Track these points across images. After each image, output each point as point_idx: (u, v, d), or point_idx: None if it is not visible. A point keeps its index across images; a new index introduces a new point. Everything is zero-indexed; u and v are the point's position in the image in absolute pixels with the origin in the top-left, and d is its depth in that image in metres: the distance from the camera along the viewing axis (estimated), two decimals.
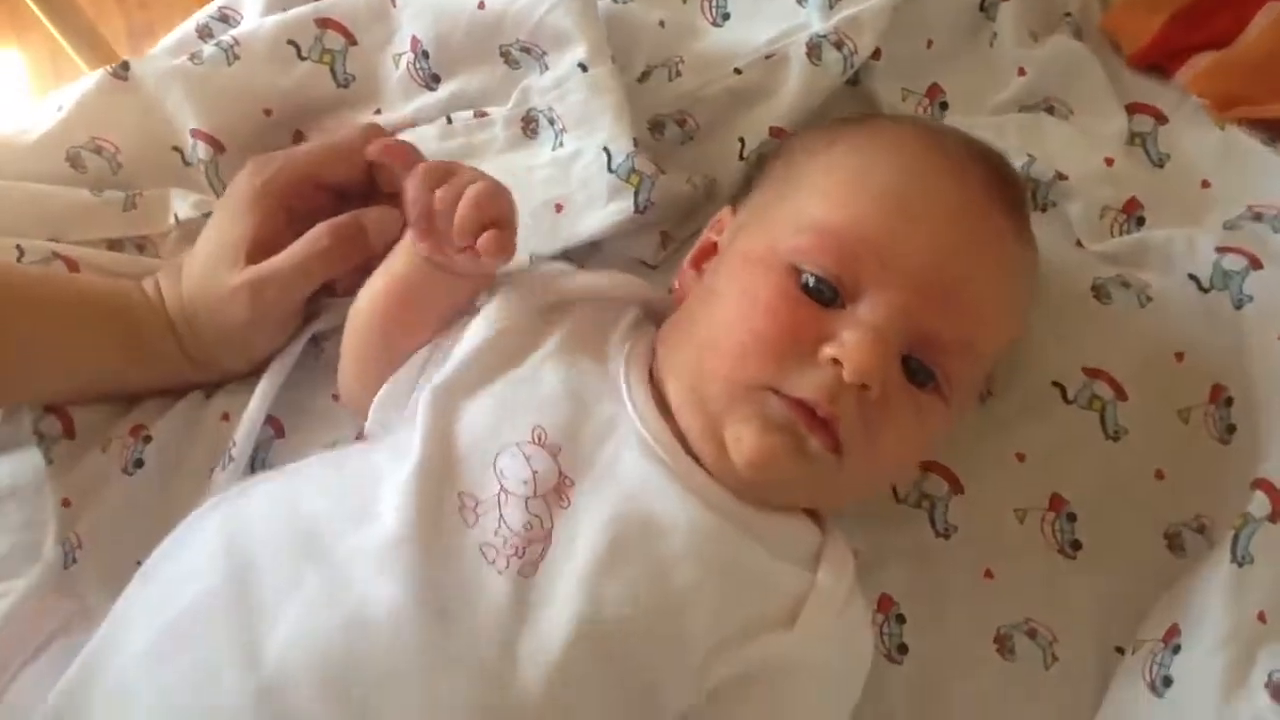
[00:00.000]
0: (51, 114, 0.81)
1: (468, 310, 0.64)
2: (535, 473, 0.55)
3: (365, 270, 0.66)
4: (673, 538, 0.55)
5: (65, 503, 0.69)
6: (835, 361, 0.55)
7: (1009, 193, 0.63)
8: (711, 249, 0.66)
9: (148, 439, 0.70)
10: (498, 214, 0.58)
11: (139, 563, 0.65)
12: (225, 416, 0.72)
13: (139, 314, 0.70)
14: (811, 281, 0.58)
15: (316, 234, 0.68)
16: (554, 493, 0.55)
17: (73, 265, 0.75)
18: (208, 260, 0.70)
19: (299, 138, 0.80)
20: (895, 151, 0.63)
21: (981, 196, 0.61)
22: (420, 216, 0.58)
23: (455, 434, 0.57)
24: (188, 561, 0.56)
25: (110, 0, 1.73)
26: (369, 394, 0.64)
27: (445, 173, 0.59)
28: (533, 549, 0.53)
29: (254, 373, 0.71)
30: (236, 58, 0.80)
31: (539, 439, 0.57)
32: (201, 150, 0.79)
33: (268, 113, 0.80)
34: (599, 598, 0.52)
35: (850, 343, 0.55)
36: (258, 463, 0.70)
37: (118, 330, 0.69)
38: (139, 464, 0.70)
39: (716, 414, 0.58)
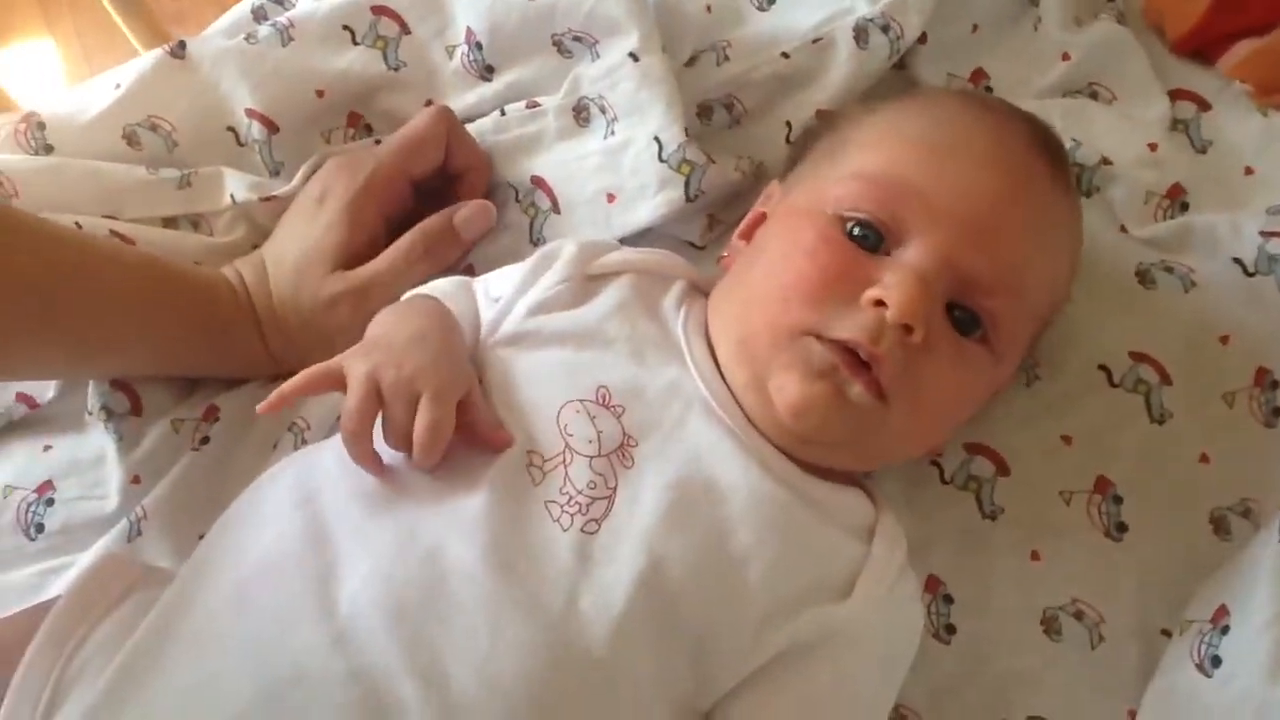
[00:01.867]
0: (109, 92, 0.82)
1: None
2: (600, 433, 0.56)
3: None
4: (733, 502, 0.56)
5: (135, 479, 0.71)
6: (878, 303, 0.56)
7: (1050, 146, 0.64)
8: (760, 219, 0.67)
9: (217, 420, 0.72)
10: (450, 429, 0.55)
11: (201, 536, 0.68)
12: None
13: (226, 311, 0.71)
14: (856, 229, 0.59)
15: (412, 241, 0.70)
16: (618, 452, 0.56)
17: (129, 242, 0.76)
18: (299, 266, 0.71)
19: (354, 119, 0.81)
20: (936, 106, 0.65)
21: (1022, 146, 0.62)
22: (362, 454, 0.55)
23: (518, 389, 0.58)
24: (264, 514, 0.58)
25: None
26: None
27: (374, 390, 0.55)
28: (596, 507, 0.55)
29: None
30: (291, 39, 0.81)
31: (603, 399, 0.58)
32: (256, 130, 0.80)
33: (320, 94, 0.81)
34: (660, 557, 0.53)
35: (894, 284, 0.56)
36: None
37: (205, 325, 0.71)
38: (205, 441, 0.72)
39: (761, 365, 0.58)
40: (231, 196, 0.78)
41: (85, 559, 0.68)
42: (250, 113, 0.80)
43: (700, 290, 0.67)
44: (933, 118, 0.63)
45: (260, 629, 0.52)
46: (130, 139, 0.81)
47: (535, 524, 0.54)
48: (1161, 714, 0.60)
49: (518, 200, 0.77)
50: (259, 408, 0.56)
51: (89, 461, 0.72)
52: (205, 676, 0.52)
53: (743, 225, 0.68)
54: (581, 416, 0.57)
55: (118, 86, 0.82)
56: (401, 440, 0.55)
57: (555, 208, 0.76)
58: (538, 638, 0.51)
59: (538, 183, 0.76)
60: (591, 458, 0.56)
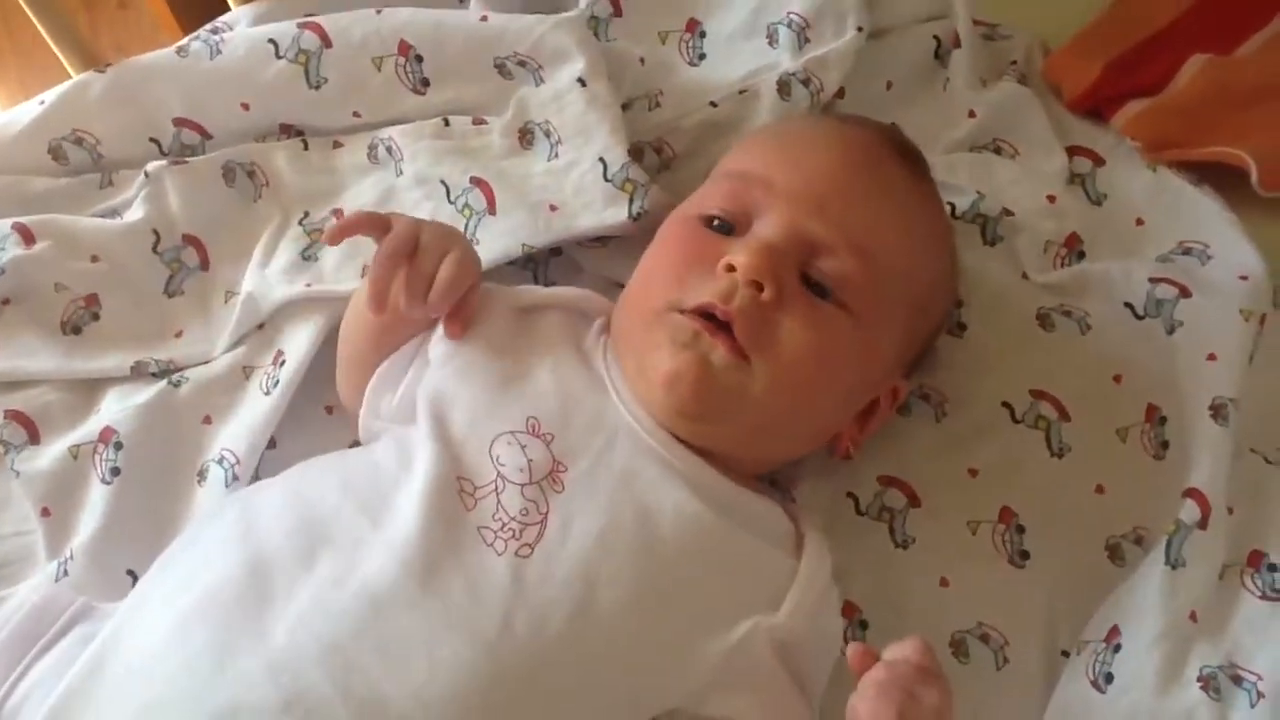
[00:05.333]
0: (33, 108, 0.84)
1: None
2: (531, 461, 0.59)
3: None
4: (662, 524, 0.59)
5: (45, 512, 0.72)
6: (729, 268, 0.61)
7: (898, 142, 0.70)
8: None
9: (119, 445, 0.73)
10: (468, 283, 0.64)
11: (129, 571, 0.69)
12: (207, 419, 0.75)
13: None
14: (714, 222, 0.64)
15: None
16: (548, 478, 0.59)
17: (30, 236, 0.78)
18: None
19: (286, 130, 0.84)
20: (793, 119, 0.74)
21: (866, 137, 0.68)
22: (382, 279, 0.61)
23: (452, 425, 0.61)
24: (205, 551, 0.59)
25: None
26: (361, 390, 0.68)
27: (415, 238, 0.62)
28: (529, 532, 0.57)
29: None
30: (219, 53, 0.84)
31: (532, 428, 0.60)
32: (186, 136, 0.83)
33: (245, 107, 0.83)
34: (594, 579, 0.56)
35: (742, 249, 0.61)
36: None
37: None
38: (115, 472, 0.72)
39: (638, 349, 0.63)
40: (145, 172, 0.81)
41: (21, 592, 0.69)
42: (180, 121, 0.83)
43: None
44: (790, 125, 0.72)
45: (199, 662, 0.54)
46: (55, 153, 0.84)
47: (469, 549, 0.56)
48: None
49: (450, 200, 0.79)
50: (325, 238, 0.64)
51: (15, 497, 0.73)
52: (143, 708, 0.53)
53: None
54: (513, 446, 0.59)
55: (42, 103, 0.84)
56: (421, 285, 0.61)
57: (491, 209, 0.78)
58: (475, 659, 0.53)
59: (477, 182, 0.78)
60: (523, 485, 0.58)
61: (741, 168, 0.67)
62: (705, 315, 0.60)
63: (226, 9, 0.91)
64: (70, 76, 0.87)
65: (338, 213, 0.81)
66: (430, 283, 0.61)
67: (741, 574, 0.60)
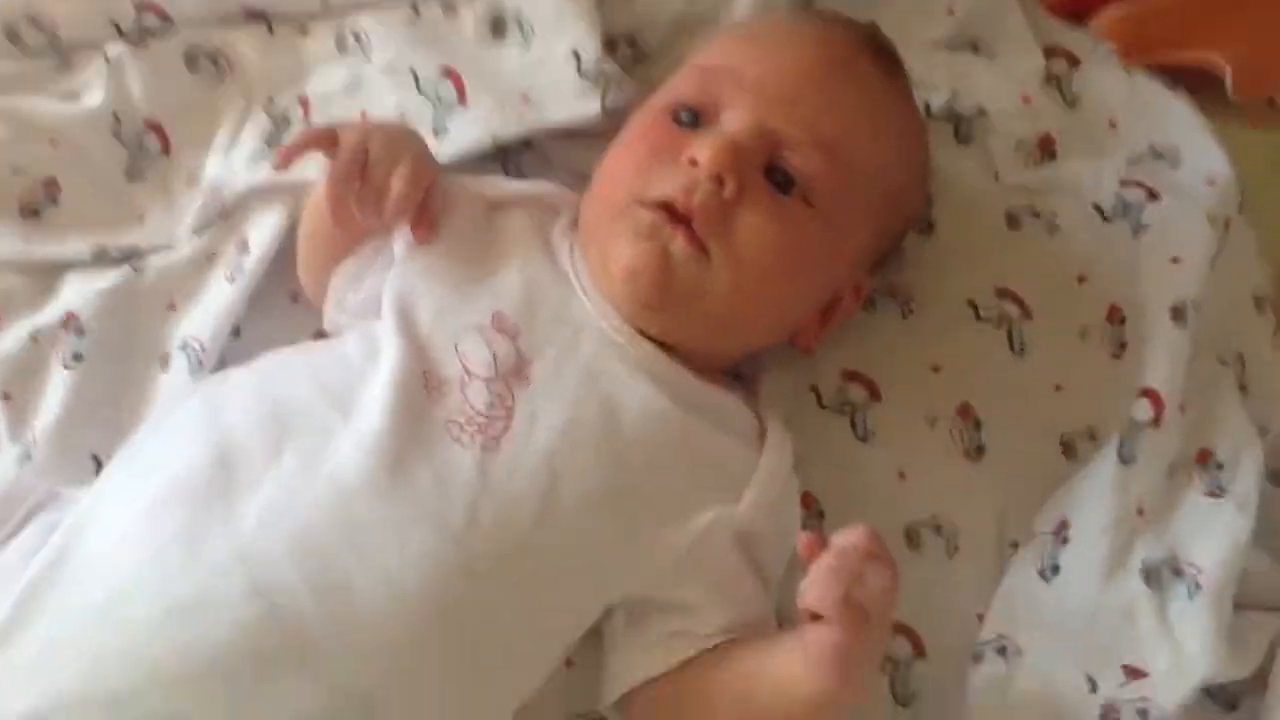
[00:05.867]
0: None
1: None
2: (495, 355, 0.60)
3: None
4: (626, 417, 0.60)
5: (5, 396, 0.72)
6: (692, 163, 0.61)
7: (875, 41, 0.70)
8: None
9: (80, 331, 0.73)
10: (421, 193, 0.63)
11: (93, 455, 0.69)
12: (171, 306, 0.75)
13: None
14: (683, 115, 0.64)
15: None
16: (514, 373, 0.60)
17: None
18: None
19: (251, 15, 0.82)
20: (772, 15, 0.72)
21: (841, 36, 0.68)
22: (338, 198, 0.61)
23: (418, 321, 0.61)
24: (172, 440, 0.60)
25: None
26: (324, 283, 0.68)
27: (364, 152, 0.61)
28: (495, 425, 0.58)
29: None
30: None
31: (498, 323, 0.61)
32: (147, 19, 0.81)
33: None
34: (558, 471, 0.57)
35: (705, 144, 0.61)
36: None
37: None
38: (77, 357, 0.72)
39: (601, 242, 0.63)
40: (105, 56, 0.79)
41: None
42: (141, 5, 0.81)
43: None
44: (765, 18, 0.71)
45: (166, 549, 0.55)
46: (11, 34, 0.82)
47: (436, 442, 0.57)
48: (1005, 617, 0.66)
49: (420, 89, 0.78)
50: (276, 163, 0.63)
51: None
52: (110, 595, 0.54)
53: None
54: (478, 341, 0.60)
55: None
56: (375, 199, 0.60)
57: (461, 99, 0.77)
58: (442, 550, 0.55)
59: (448, 72, 0.78)
60: (489, 379, 0.59)
61: (711, 61, 0.67)
62: (666, 208, 0.60)
63: None
64: None
65: (303, 99, 0.80)
66: (384, 195, 0.60)
67: (704, 467, 0.62)
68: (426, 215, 0.64)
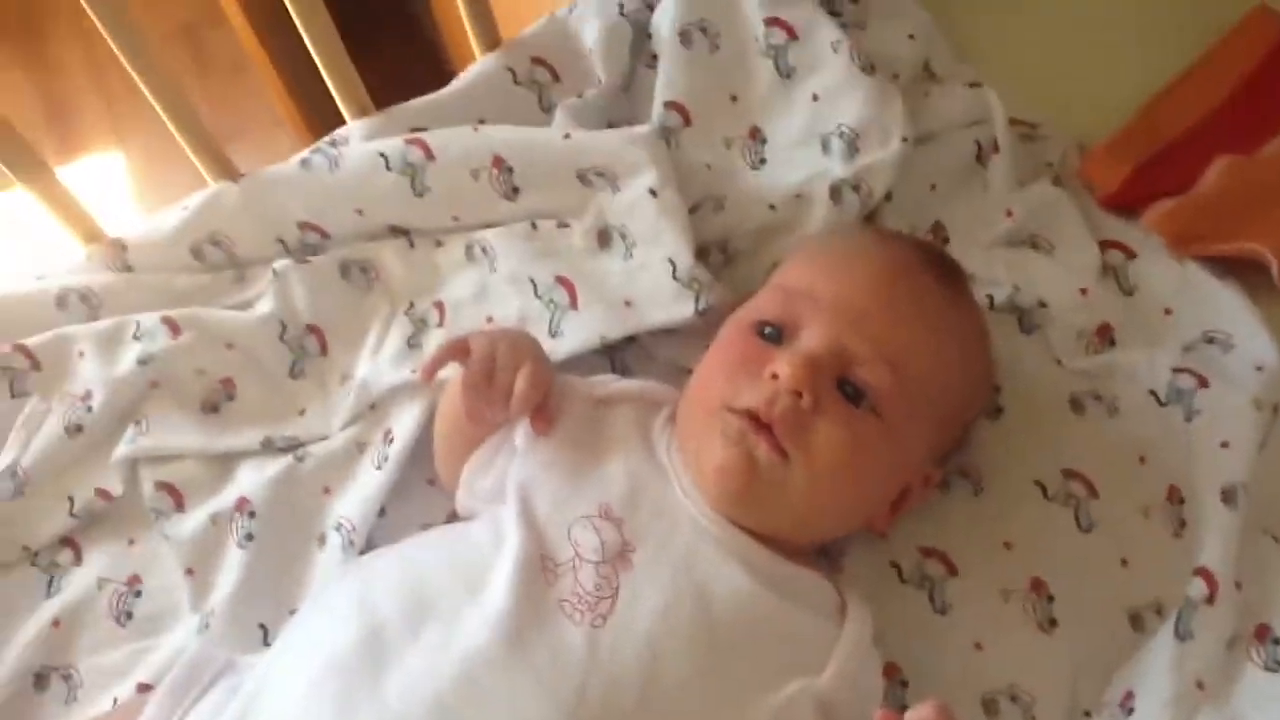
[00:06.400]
0: (178, 213, 0.97)
1: None
2: (604, 542, 0.68)
3: None
4: (717, 599, 0.67)
5: (189, 571, 0.83)
6: (774, 377, 0.69)
7: (937, 258, 0.79)
8: None
9: (252, 514, 0.84)
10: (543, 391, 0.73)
11: (261, 625, 0.80)
12: (326, 490, 0.85)
13: None
14: (766, 329, 0.73)
15: None
16: (619, 557, 0.68)
17: (177, 328, 0.91)
18: None
19: (395, 231, 0.96)
20: (841, 235, 0.82)
21: (905, 254, 0.77)
22: (472, 400, 0.72)
23: (537, 509, 0.70)
24: (328, 618, 0.69)
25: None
26: (457, 471, 0.78)
27: (491, 359, 0.73)
28: (603, 604, 0.66)
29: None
30: (338, 166, 0.95)
31: (605, 513, 0.70)
32: (308, 237, 0.95)
33: (360, 212, 0.95)
34: (657, 650, 0.65)
35: (785, 360, 0.70)
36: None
37: None
38: (249, 537, 0.83)
39: (694, 442, 0.72)
40: (274, 270, 0.93)
41: (169, 642, 0.80)
42: (304, 225, 0.95)
43: None
44: (837, 240, 0.81)
45: (326, 712, 0.63)
46: (196, 253, 0.96)
47: (551, 620, 0.65)
48: None
49: (537, 295, 0.89)
50: (420, 376, 0.76)
51: (164, 557, 0.85)
52: None
53: None
54: (588, 529, 0.69)
55: (185, 209, 0.97)
56: (502, 399, 0.71)
57: (573, 304, 0.88)
58: (555, 718, 0.62)
59: (561, 280, 0.88)
60: (597, 563, 0.67)
61: (790, 281, 0.77)
62: (751, 416, 0.69)
63: (328, 95, 1.03)
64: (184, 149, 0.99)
65: (438, 304, 0.92)
66: (509, 394, 0.71)
67: (789, 641, 0.68)
68: (545, 411, 0.74)
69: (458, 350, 0.74)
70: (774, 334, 0.73)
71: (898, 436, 0.71)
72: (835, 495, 0.71)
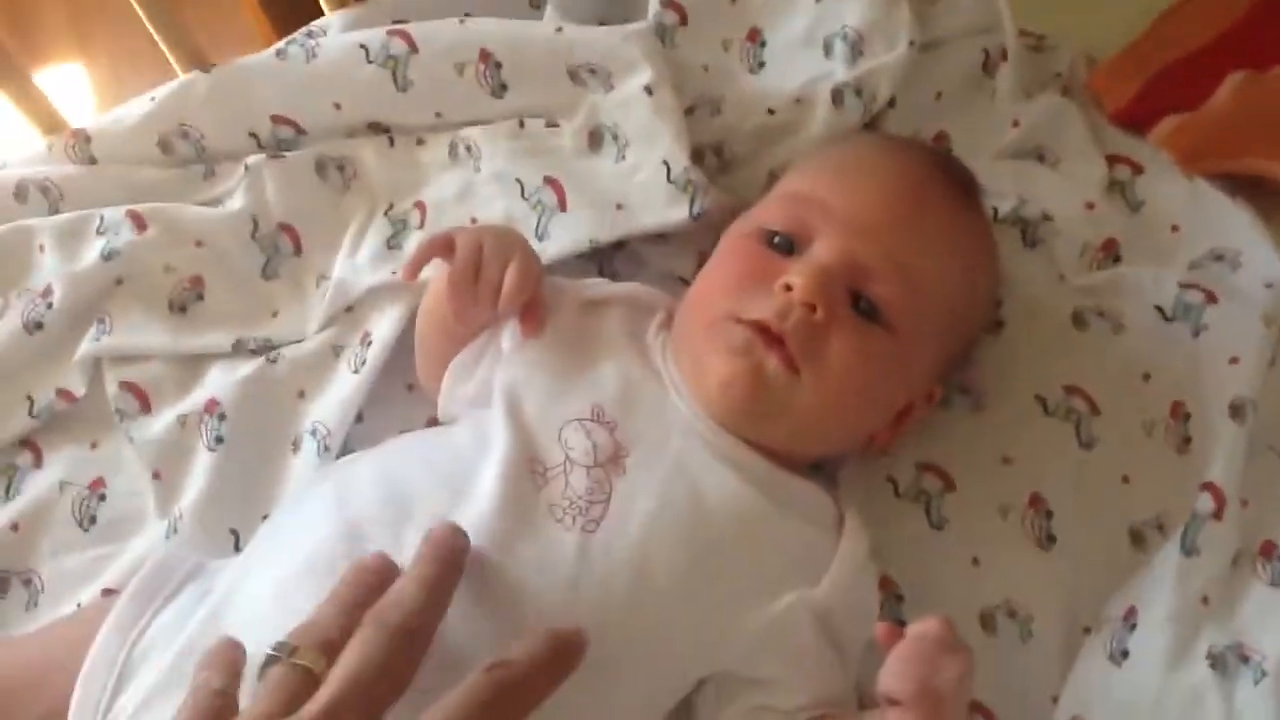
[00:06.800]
0: (144, 104, 0.92)
1: None
2: (595, 445, 0.66)
3: None
4: (711, 503, 0.65)
5: (156, 475, 0.80)
6: (787, 288, 0.66)
7: (948, 167, 0.76)
8: None
9: (222, 416, 0.80)
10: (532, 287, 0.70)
11: (232, 530, 0.76)
12: (301, 394, 0.82)
13: None
14: (775, 238, 0.70)
15: None
16: (611, 461, 0.65)
17: (143, 222, 0.87)
18: None
19: (374, 127, 0.91)
20: (854, 141, 0.78)
21: (918, 165, 0.74)
22: (458, 295, 0.69)
23: (525, 411, 0.67)
24: (304, 521, 0.66)
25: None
26: (439, 375, 0.75)
27: (478, 254, 0.69)
28: (594, 509, 0.63)
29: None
30: (314, 56, 0.91)
31: (597, 415, 0.67)
32: (282, 132, 0.90)
33: (337, 106, 0.91)
34: (650, 553, 0.63)
35: (798, 272, 0.67)
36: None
37: None
38: (219, 440, 0.80)
39: (696, 352, 0.69)
40: (245, 165, 0.88)
41: (134, 547, 0.77)
42: (277, 118, 0.91)
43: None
44: (848, 148, 0.77)
45: (301, 613, 0.59)
46: (164, 145, 0.92)
47: (541, 524, 0.63)
48: (1078, 699, 0.69)
49: (524, 196, 0.85)
50: (403, 275, 0.71)
51: (128, 460, 0.81)
52: (251, 662, 0.59)
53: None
54: (579, 432, 0.66)
55: (152, 99, 0.92)
56: (490, 294, 0.68)
57: (562, 205, 0.84)
58: (541, 624, 0.59)
59: (549, 181, 0.85)
60: (589, 467, 0.65)
61: (801, 189, 0.73)
62: (761, 328, 0.66)
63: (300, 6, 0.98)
64: (165, 63, 0.94)
65: (419, 205, 0.88)
66: (498, 290, 0.68)
67: (784, 551, 0.67)
68: (534, 310, 0.71)
69: (441, 246, 0.70)
70: (784, 243, 0.70)
71: (908, 352, 0.69)
72: (843, 410, 0.69)
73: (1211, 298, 0.79)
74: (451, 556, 0.57)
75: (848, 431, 0.73)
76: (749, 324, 0.66)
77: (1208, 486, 0.72)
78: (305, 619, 0.56)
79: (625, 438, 0.66)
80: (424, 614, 0.54)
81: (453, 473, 0.66)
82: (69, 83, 1.83)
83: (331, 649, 0.53)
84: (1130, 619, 0.70)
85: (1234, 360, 0.76)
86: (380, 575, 0.57)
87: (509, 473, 0.64)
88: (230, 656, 0.54)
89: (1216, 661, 0.67)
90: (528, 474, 0.64)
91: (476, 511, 0.63)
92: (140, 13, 0.91)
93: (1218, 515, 0.71)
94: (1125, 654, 0.69)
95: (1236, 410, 0.74)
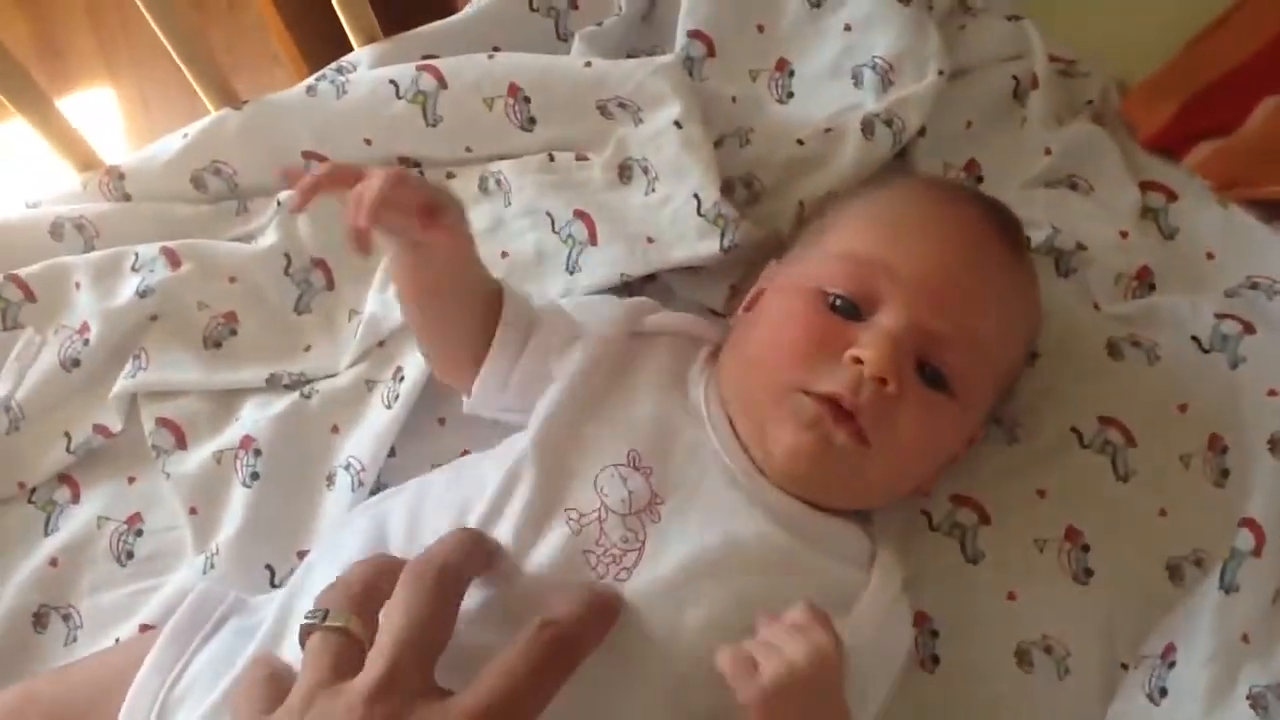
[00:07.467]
0: (177, 141, 0.93)
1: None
2: (631, 492, 0.65)
3: None
4: (744, 549, 0.65)
5: (192, 510, 0.80)
6: (857, 361, 0.66)
7: (1002, 220, 0.75)
8: (760, 294, 0.76)
9: (258, 452, 0.80)
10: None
11: (268, 565, 0.77)
12: (335, 429, 0.82)
13: None
14: (837, 301, 0.69)
15: None
16: (647, 509, 0.65)
17: (176, 259, 0.87)
18: None
19: (404, 162, 0.92)
20: (905, 192, 0.76)
21: (976, 221, 0.73)
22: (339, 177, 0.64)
23: (561, 456, 0.67)
24: (342, 558, 0.66)
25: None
26: (455, 364, 0.74)
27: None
28: (628, 557, 0.63)
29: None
30: (345, 93, 0.91)
31: (633, 461, 0.67)
32: (314, 168, 0.88)
33: (368, 142, 0.91)
34: (682, 600, 0.62)
35: (869, 343, 0.66)
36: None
37: None
38: (255, 476, 0.80)
39: (761, 418, 0.68)
40: (278, 201, 0.89)
41: (173, 582, 0.77)
42: (308, 154, 0.91)
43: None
44: (900, 202, 0.75)
45: None
46: (197, 182, 0.92)
47: (574, 571, 0.62)
48: None
49: (555, 230, 0.85)
50: (290, 208, 0.69)
51: (165, 495, 0.82)
52: None
53: (747, 299, 0.77)
54: (615, 479, 0.66)
55: (185, 136, 0.93)
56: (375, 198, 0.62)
57: (592, 240, 0.84)
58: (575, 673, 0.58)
59: (580, 215, 0.85)
60: (624, 515, 0.65)
61: (860, 250, 0.71)
62: (832, 402, 0.65)
63: (332, 13, 0.98)
64: (193, 90, 0.95)
65: None
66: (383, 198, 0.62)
67: (816, 591, 0.65)
68: (432, 210, 0.65)
69: (350, 174, 0.64)
70: (846, 307, 0.69)
71: (968, 412, 0.70)
72: (904, 475, 0.70)
73: (1250, 328, 0.78)
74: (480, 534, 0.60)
75: (902, 490, 0.73)
76: (819, 398, 0.66)
77: (1247, 523, 0.71)
78: (328, 584, 0.57)
79: (661, 484, 0.66)
80: (460, 568, 0.57)
81: (481, 514, 0.65)
82: (97, 109, 1.86)
83: (360, 604, 0.55)
84: (1169, 657, 0.69)
85: (1272, 393, 0.76)
86: (393, 561, 0.59)
87: (541, 517, 0.64)
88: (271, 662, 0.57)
89: (1257, 702, 0.66)
90: (562, 523, 0.64)
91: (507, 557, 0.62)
92: (165, 42, 0.92)
93: (1257, 552, 0.70)
94: (1164, 692, 0.69)
95: (1276, 445, 0.73)
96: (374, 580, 0.57)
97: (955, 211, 0.73)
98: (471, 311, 0.73)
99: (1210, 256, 0.86)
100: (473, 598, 0.59)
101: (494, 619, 0.60)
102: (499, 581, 0.61)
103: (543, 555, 0.62)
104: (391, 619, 0.54)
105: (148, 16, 0.88)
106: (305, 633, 0.55)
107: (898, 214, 0.74)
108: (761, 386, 0.68)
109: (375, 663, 0.52)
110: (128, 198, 0.93)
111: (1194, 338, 0.80)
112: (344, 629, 0.54)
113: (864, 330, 0.67)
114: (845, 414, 0.65)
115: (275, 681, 0.55)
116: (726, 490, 0.67)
